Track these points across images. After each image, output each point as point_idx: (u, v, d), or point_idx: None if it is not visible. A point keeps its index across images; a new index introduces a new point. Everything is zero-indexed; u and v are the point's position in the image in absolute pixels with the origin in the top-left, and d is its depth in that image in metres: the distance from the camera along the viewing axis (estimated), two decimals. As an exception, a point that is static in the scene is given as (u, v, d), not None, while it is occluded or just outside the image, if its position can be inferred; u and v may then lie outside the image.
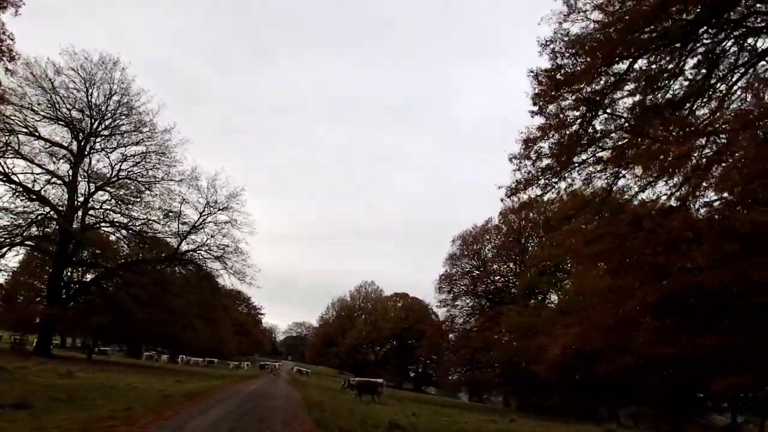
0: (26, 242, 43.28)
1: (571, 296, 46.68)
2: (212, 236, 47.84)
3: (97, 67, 44.05)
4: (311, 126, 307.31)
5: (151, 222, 46.94)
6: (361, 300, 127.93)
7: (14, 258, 45.07)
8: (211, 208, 47.43)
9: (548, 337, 44.68)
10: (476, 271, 68.57)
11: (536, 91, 14.81)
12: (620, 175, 17.44)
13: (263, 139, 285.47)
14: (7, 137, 40.75)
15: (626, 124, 15.39)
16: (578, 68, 13.78)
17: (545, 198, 22.46)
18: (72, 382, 20.90)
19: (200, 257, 48.02)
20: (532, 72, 14.95)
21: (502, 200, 22.25)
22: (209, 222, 47.88)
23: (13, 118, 41.16)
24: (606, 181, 18.06)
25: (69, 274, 49.76)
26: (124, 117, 46.12)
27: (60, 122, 44.26)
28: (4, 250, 41.21)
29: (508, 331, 54.23)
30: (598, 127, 15.63)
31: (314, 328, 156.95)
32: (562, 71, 14.09)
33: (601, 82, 14.13)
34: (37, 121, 43.04)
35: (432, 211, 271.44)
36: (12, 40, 23.67)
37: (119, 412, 12.62)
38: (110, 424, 10.89)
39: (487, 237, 67.88)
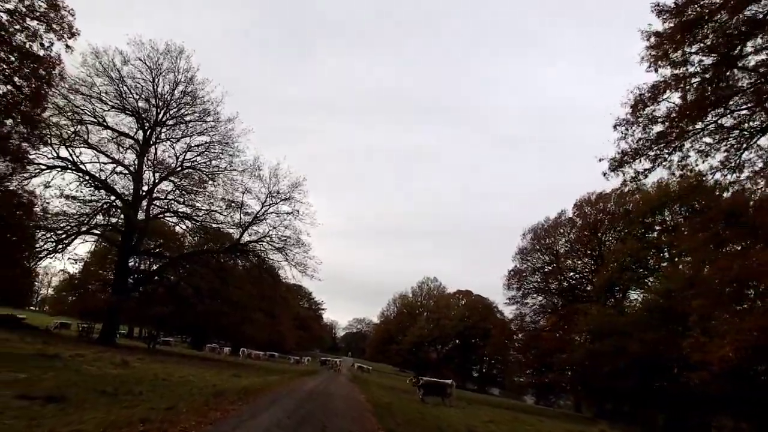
0: (92, 231, 43.43)
1: (675, 288, 41.19)
2: (274, 227, 46.95)
3: (163, 56, 43.82)
4: (356, 123, 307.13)
5: (213, 212, 46.42)
6: (423, 297, 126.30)
7: (81, 246, 45.41)
8: (273, 198, 46.51)
9: (627, 340, 42.19)
10: (548, 267, 65.30)
11: (652, 41, 12.54)
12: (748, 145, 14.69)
13: (309, 137, 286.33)
14: (76, 127, 41.12)
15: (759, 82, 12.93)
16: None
17: (648, 178, 19.62)
18: (124, 372, 19.94)
19: (261, 248, 47.22)
20: (655, 7, 12.59)
21: (605, 174, 19.92)
22: (271, 212, 46.97)
23: (82, 108, 41.59)
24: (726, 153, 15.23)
25: (134, 263, 50.11)
26: (188, 106, 45.75)
27: (127, 112, 44.32)
28: (71, 238, 41.54)
29: (588, 331, 50.60)
30: (725, 87, 13.18)
31: (374, 324, 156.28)
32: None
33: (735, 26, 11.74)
34: (105, 110, 43.23)
35: (480, 210, 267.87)
36: (72, 15, 23.13)
37: (158, 412, 11.21)
38: (141, 429, 9.48)
39: (561, 231, 64.50)
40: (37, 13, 22.13)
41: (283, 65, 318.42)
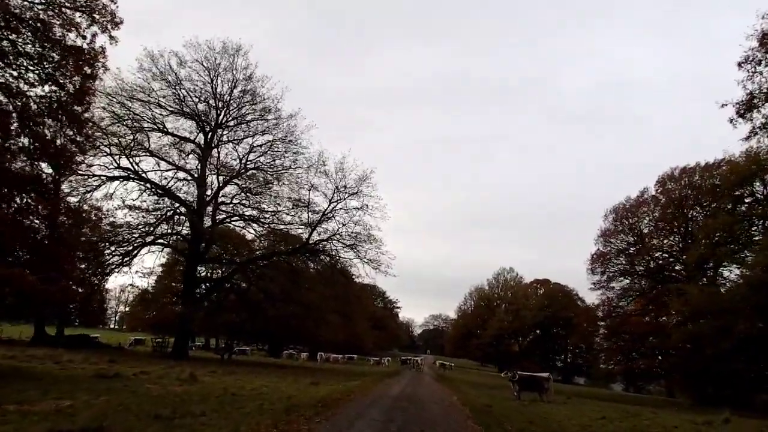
0: (157, 241, 42.37)
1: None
2: (343, 224, 44.81)
3: (220, 55, 42.47)
4: (418, 113, 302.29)
5: (280, 213, 44.64)
6: (500, 288, 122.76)
7: (148, 258, 44.44)
8: (341, 194, 44.34)
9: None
10: (633, 248, 60.72)
11: None
12: None
13: (368, 131, 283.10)
14: (136, 135, 40.22)
15: None
16: None
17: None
18: (189, 389, 17.91)
19: (332, 247, 45.20)
20: None
21: (731, 121, 16.77)
22: (339, 209, 44.85)
23: (141, 114, 40.72)
24: None
25: (203, 272, 49.18)
26: (249, 105, 44.22)
27: (186, 116, 43.18)
28: (137, 249, 40.65)
29: (686, 312, 46.46)
30: None
31: (452, 320, 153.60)
32: None
33: None
34: (164, 116, 42.30)
35: (553, 195, 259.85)
36: (114, 3, 21.36)
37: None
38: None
39: (644, 209, 59.95)
40: (77, 3, 20.54)
41: (336, 57, 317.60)
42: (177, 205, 42.33)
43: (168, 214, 41.93)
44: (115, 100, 38.62)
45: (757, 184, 47.90)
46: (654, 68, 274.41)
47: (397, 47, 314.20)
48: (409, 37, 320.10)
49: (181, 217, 42.91)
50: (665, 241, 59.71)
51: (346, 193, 44.27)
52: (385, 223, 45.35)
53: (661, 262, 60.27)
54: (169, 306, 46.62)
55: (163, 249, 43.69)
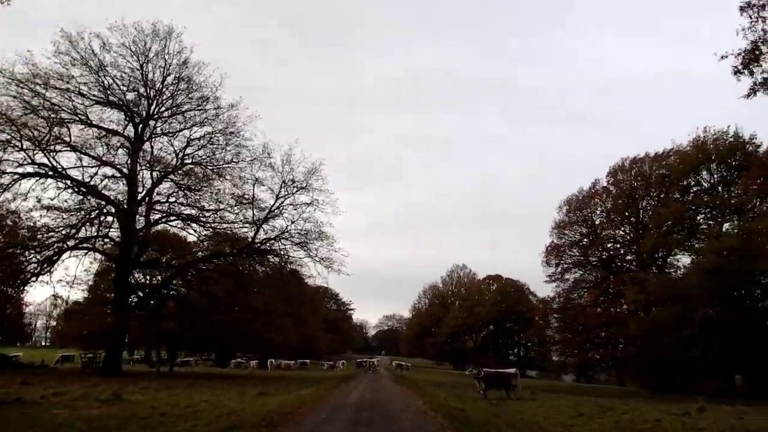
0: (81, 245, 38.07)
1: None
2: (292, 221, 41.65)
3: (150, 39, 38.39)
4: (373, 114, 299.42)
5: (222, 211, 41.09)
6: (454, 285, 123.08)
7: (74, 264, 39.57)
8: (289, 188, 41.21)
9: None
10: (586, 239, 60.49)
11: None
12: None
13: (326, 131, 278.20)
14: (53, 127, 35.70)
15: None
16: None
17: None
18: (110, 410, 14.78)
19: (281, 246, 41.98)
20: None
21: (736, 72, 14.68)
22: (287, 205, 41.74)
23: (60, 104, 36.28)
24: None
25: (140, 278, 45.18)
26: (184, 93, 40.40)
27: (113, 106, 38.88)
28: (57, 255, 36.38)
29: (644, 301, 46.69)
30: None
31: (406, 319, 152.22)
32: None
33: None
34: (87, 106, 37.81)
35: (502, 192, 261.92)
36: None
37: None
38: None
39: (596, 200, 59.85)
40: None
41: (287, 54, 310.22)
42: (104, 204, 38.15)
43: (93, 214, 37.61)
44: (26, 87, 34.36)
45: (705, 173, 50.20)
46: (604, 67, 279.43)
47: (348, 45, 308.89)
48: (357, 36, 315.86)
49: (110, 218, 38.85)
50: (617, 232, 60.02)
51: (294, 187, 41.27)
52: (337, 218, 42.25)
53: (613, 252, 60.86)
54: (101, 317, 42.07)
55: (87, 253, 39.11)
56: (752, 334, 41.59)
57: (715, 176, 49.72)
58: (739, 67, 14.88)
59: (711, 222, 49.61)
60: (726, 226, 46.93)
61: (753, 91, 15.60)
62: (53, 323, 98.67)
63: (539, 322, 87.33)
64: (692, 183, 51.40)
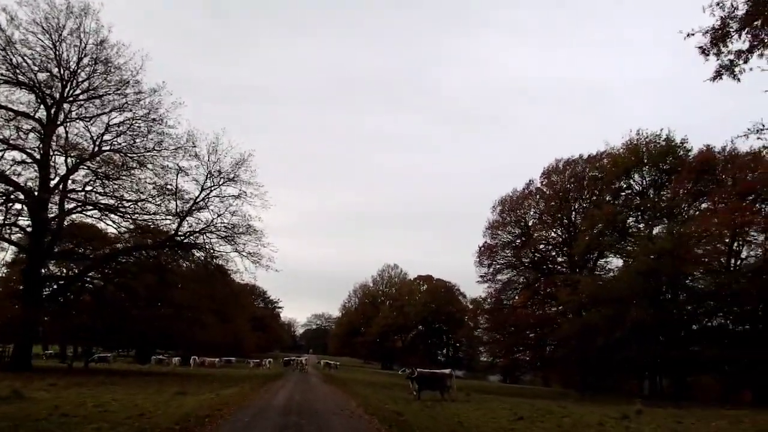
0: None
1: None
2: (219, 215, 39.91)
3: (64, 16, 35.53)
4: (295, 110, 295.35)
5: (143, 202, 38.83)
6: (385, 285, 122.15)
7: None
8: (214, 179, 39.45)
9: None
10: (519, 240, 60.68)
11: None
12: None
13: (248, 128, 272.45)
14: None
15: None
16: None
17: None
18: (5, 410, 13.14)
19: (206, 240, 40.15)
20: None
21: (703, 51, 14.72)
22: (213, 197, 39.95)
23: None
24: None
25: (49, 269, 42.33)
26: (101, 76, 37.68)
27: (23, 86, 36.05)
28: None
29: (577, 302, 47.00)
30: None
31: (335, 318, 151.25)
32: None
33: None
34: (-8, 85, 35.08)
35: (437, 194, 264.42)
36: None
37: None
38: None
39: (529, 201, 60.03)
40: None
41: (215, 48, 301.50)
42: (12, 190, 35.30)
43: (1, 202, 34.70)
44: None
45: (636, 176, 50.89)
46: (528, 71, 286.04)
47: (269, 41, 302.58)
48: (281, 30, 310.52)
49: (19, 205, 36.04)
50: (550, 233, 60.56)
51: (221, 178, 39.55)
52: (266, 212, 41.05)
53: (545, 254, 61.68)
54: (10, 310, 39.05)
55: None
56: (678, 336, 43.76)
57: (647, 179, 50.23)
58: (707, 46, 14.81)
59: (641, 225, 50.41)
60: (656, 229, 47.64)
61: (718, 74, 15.54)
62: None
63: (469, 323, 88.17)
64: (624, 186, 51.90)
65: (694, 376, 47.41)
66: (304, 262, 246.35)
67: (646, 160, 49.06)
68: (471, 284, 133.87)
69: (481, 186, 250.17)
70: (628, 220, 51.54)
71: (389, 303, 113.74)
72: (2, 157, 34.97)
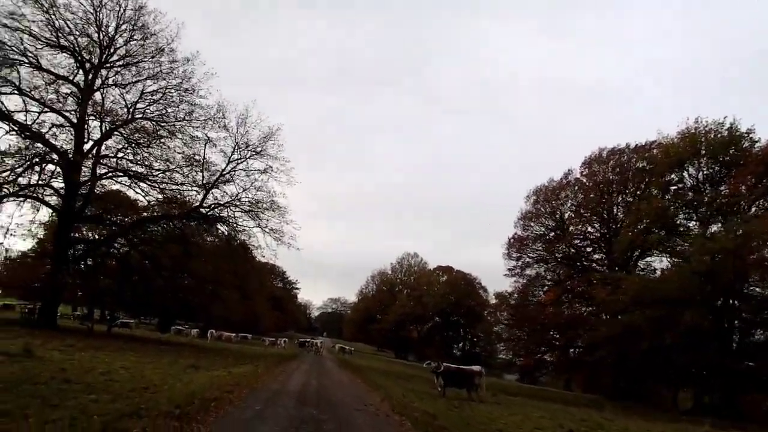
0: (21, 193, 35.18)
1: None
2: (244, 189, 39.94)
3: (104, -19, 36.08)
4: (315, 95, 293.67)
5: (171, 171, 39.00)
6: (403, 273, 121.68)
7: (16, 212, 36.67)
8: (242, 152, 39.53)
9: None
10: (552, 233, 58.28)
11: None
12: None
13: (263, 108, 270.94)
14: (1, 68, 33.42)
15: None
16: None
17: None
18: (9, 369, 13.22)
19: (230, 213, 40.25)
20: None
21: None
22: (240, 170, 40.04)
23: (9, 44, 33.70)
24: None
25: (82, 233, 42.94)
26: (138, 42, 38.01)
27: (64, 50, 36.42)
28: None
29: (630, 301, 41.72)
30: None
31: (351, 303, 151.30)
32: None
33: None
34: (38, 48, 35.37)
35: (459, 184, 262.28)
36: None
37: None
38: None
39: (566, 193, 57.35)
40: None
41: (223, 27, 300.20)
42: (48, 151, 35.66)
43: (35, 161, 35.12)
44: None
45: (691, 168, 46.46)
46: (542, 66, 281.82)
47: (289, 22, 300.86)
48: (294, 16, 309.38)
49: (53, 167, 36.46)
50: (586, 228, 57.78)
51: (248, 151, 39.64)
52: (291, 188, 41.13)
53: (579, 249, 58.64)
54: (41, 269, 39.80)
55: (24, 201, 36.40)
56: (730, 347, 40.89)
57: (704, 172, 45.92)
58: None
59: (693, 223, 46.90)
60: (712, 228, 44.08)
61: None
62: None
63: (488, 318, 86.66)
64: (675, 179, 47.96)
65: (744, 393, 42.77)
66: (322, 246, 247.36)
67: (704, 151, 44.72)
68: (493, 279, 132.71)
69: (503, 182, 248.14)
70: (678, 217, 47.69)
71: (407, 292, 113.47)
72: (37, 119, 35.34)
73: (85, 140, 37.28)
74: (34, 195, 36.12)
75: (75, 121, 36.64)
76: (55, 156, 35.68)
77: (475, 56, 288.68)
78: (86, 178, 37.41)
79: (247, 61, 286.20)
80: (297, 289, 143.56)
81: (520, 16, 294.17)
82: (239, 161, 39.83)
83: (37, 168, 35.24)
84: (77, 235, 42.02)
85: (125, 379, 14.17)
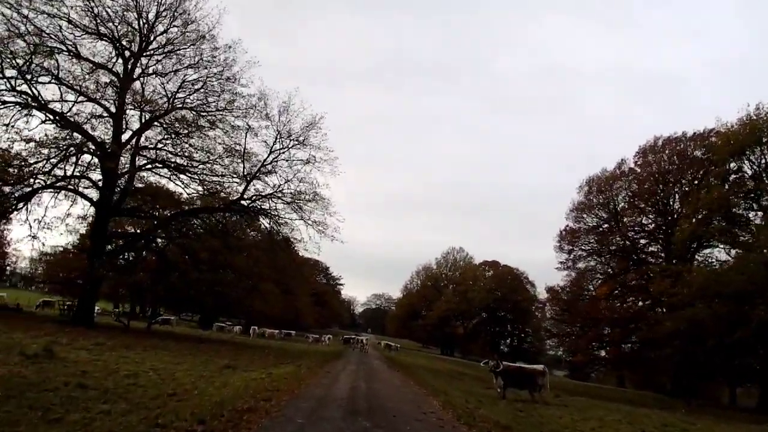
0: (58, 184, 34.26)
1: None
2: (287, 180, 38.25)
3: (144, -38, 34.82)
4: (361, 90, 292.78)
5: (212, 163, 37.52)
6: (449, 268, 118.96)
7: (52, 205, 35.85)
8: (284, 141, 37.78)
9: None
10: (606, 225, 55.61)
11: None
12: None
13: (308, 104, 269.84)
14: (40, 57, 32.43)
15: None
16: None
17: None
18: (22, 371, 11.60)
19: (271, 206, 38.61)
20: None
21: None
22: (282, 160, 38.35)
23: (49, 31, 32.64)
24: None
25: (124, 228, 42.15)
26: (179, 29, 36.52)
27: (103, 38, 35.20)
28: (34, 193, 33.21)
29: (697, 293, 38.93)
30: None
31: (395, 299, 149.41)
32: None
33: None
34: (77, 36, 34.13)
35: (505, 179, 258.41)
36: None
37: None
38: None
39: (620, 183, 54.47)
40: None
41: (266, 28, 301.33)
42: (86, 141, 34.45)
43: (71, 152, 34.00)
44: (12, 8, 30.74)
45: (753, 157, 43.42)
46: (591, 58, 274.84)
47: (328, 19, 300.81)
48: (341, 10, 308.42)
49: (90, 157, 35.41)
50: (641, 219, 55.04)
51: (290, 140, 37.80)
52: (334, 179, 39.42)
53: (634, 241, 55.76)
54: (80, 262, 38.84)
55: (58, 193, 35.24)
56: None
57: (765, 160, 42.75)
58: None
59: (753, 213, 44.11)
60: None
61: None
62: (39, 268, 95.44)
63: (536, 313, 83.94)
64: (734, 167, 45.05)
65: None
66: (367, 242, 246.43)
67: (765, 139, 41.86)
68: (539, 274, 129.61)
69: (544, 176, 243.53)
70: (740, 207, 44.89)
71: (452, 287, 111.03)
72: (72, 107, 34.28)
73: (123, 130, 36.04)
74: (71, 186, 35.13)
75: (113, 110, 35.49)
76: (92, 146, 34.52)
77: (533, 51, 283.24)
78: (125, 169, 36.28)
79: (292, 57, 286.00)
80: (341, 284, 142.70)
81: (579, 12, 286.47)
82: (281, 151, 38.16)
83: (73, 159, 34.20)
84: (119, 230, 41.23)
85: (151, 383, 12.49)
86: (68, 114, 33.60)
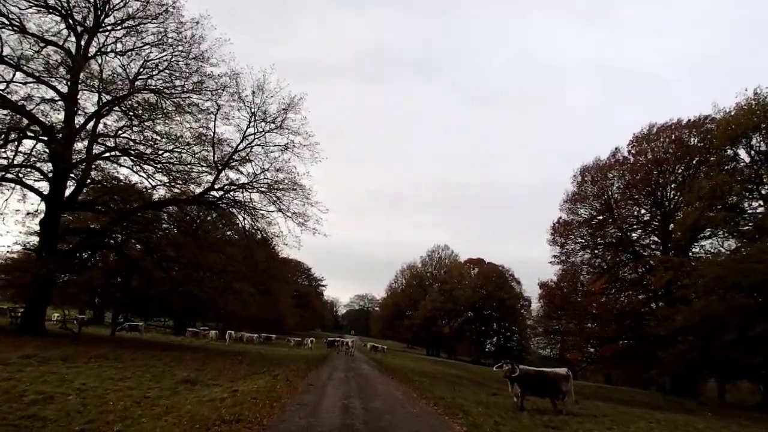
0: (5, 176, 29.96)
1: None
2: (263, 169, 34.62)
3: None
4: (345, 87, 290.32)
5: (179, 151, 33.65)
6: (434, 266, 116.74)
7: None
8: (258, 125, 34.07)
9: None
10: (600, 216, 52.58)
11: None
12: None
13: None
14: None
15: None
16: None
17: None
18: None
19: (245, 197, 34.84)
20: None
21: None
22: (256, 146, 34.66)
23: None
24: None
25: (77, 222, 38.09)
26: (140, 3, 32.33)
27: (51, 11, 31.40)
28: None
29: (711, 284, 36.05)
30: None
31: (379, 300, 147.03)
32: None
33: None
34: (22, 10, 30.31)
35: (489, 176, 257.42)
36: None
37: None
38: None
39: (613, 173, 51.77)
40: None
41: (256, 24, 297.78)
42: (32, 125, 30.31)
43: (14, 137, 29.81)
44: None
45: (754, 140, 40.95)
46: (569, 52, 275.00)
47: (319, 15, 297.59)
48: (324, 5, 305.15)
49: (36, 143, 31.18)
50: (636, 210, 52.30)
51: (266, 123, 34.01)
52: (315, 175, 35.88)
53: (629, 233, 52.85)
54: (28, 264, 34.57)
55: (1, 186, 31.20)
56: None
57: (762, 147, 40.61)
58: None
59: (754, 202, 41.93)
60: None
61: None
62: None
63: (521, 311, 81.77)
64: (730, 155, 42.99)
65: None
66: (349, 242, 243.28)
67: (763, 126, 39.81)
68: (525, 272, 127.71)
69: (532, 174, 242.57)
70: (741, 195, 42.34)
71: (437, 286, 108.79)
72: (8, 87, 30.12)
73: (77, 112, 32.01)
74: (9, 176, 30.79)
75: (65, 92, 31.51)
76: (39, 130, 30.37)
77: (519, 47, 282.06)
78: (80, 158, 32.23)
79: (279, 51, 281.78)
80: (323, 285, 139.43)
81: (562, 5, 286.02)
82: (256, 136, 34.35)
83: (13, 144, 29.99)
84: (79, 226, 37.21)
85: (63, 413, 8.89)
86: (5, 92, 29.33)
